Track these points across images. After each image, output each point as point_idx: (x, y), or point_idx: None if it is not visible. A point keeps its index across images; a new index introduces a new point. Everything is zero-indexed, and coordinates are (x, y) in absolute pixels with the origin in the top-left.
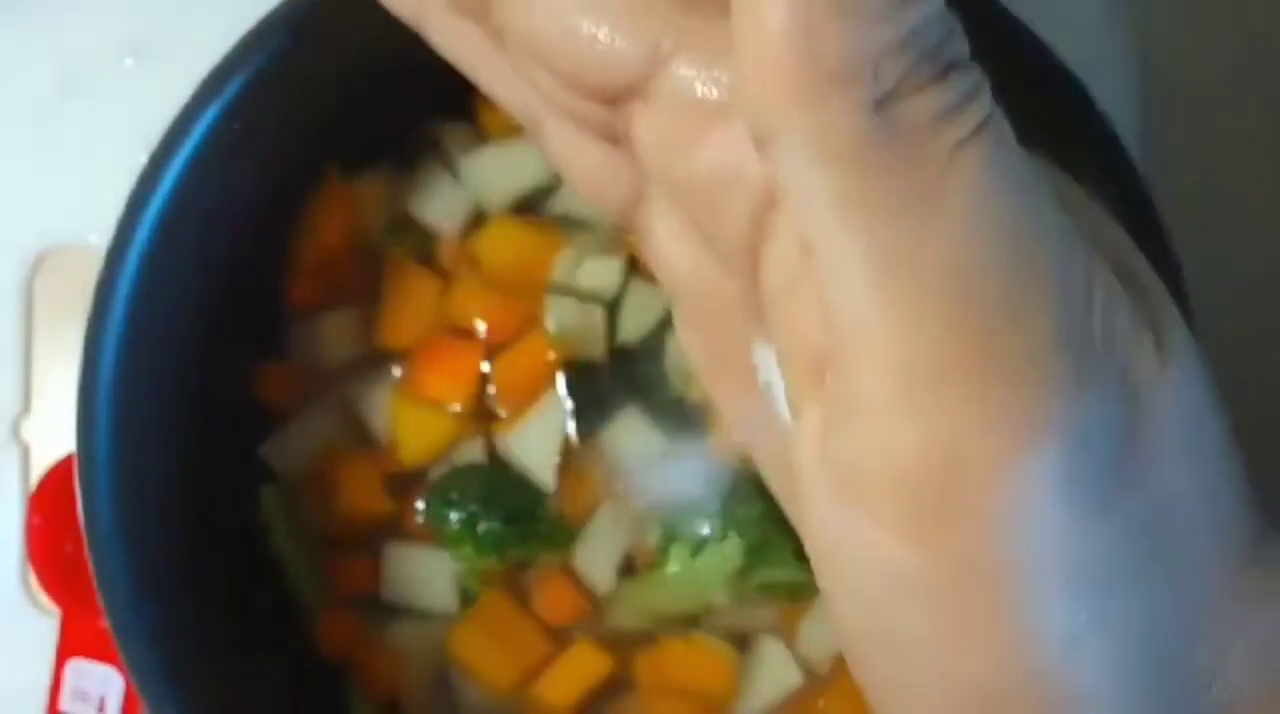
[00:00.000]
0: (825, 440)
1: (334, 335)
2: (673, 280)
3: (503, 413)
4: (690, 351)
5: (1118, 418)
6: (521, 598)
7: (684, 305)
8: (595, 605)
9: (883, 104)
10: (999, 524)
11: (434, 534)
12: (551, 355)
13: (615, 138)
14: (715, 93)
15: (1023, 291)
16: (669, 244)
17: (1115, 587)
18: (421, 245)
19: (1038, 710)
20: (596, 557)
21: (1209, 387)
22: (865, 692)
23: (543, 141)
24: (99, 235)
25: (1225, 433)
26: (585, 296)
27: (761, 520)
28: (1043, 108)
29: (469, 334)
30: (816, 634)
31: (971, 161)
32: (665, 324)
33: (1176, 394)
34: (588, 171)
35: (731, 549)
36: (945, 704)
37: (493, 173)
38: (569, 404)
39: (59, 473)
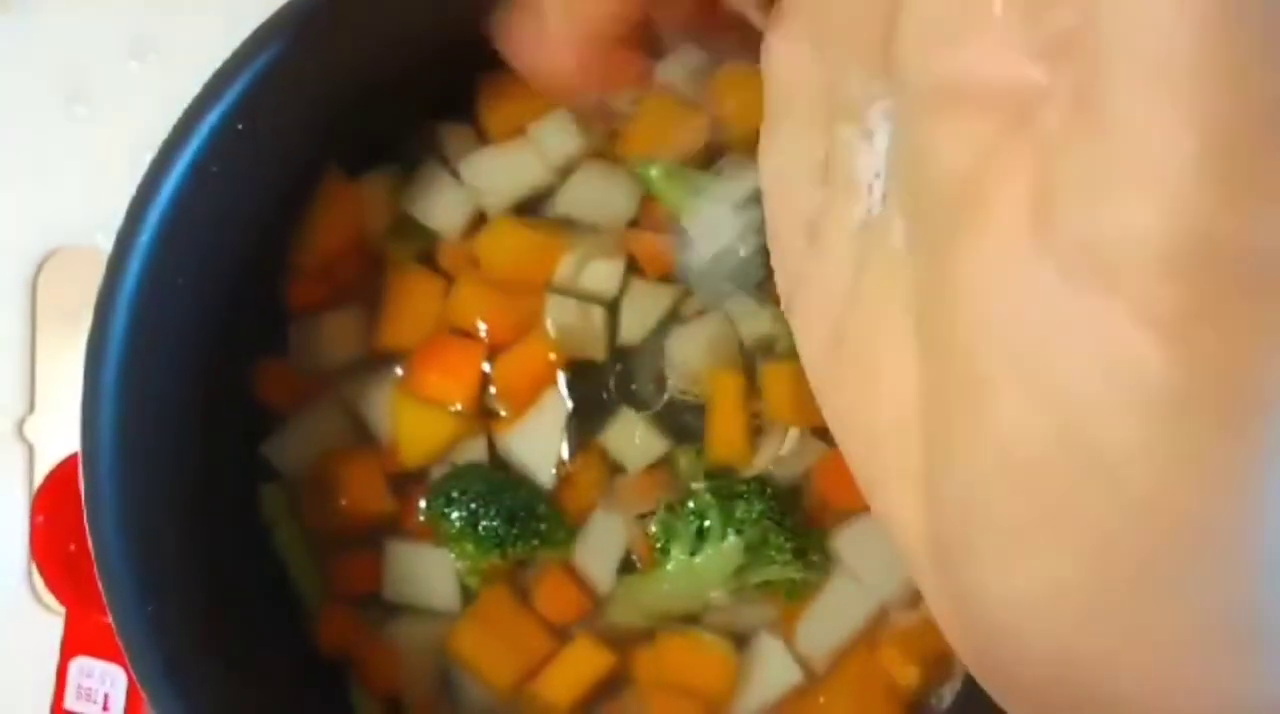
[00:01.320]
0: (1047, 205)
1: (336, 335)
2: (777, 87)
3: (503, 412)
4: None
5: None
6: (522, 596)
7: (781, 121)
8: (595, 603)
9: None
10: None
11: (435, 532)
12: (552, 355)
13: None
14: None
15: None
16: (782, 54)
17: None
18: (423, 246)
19: (1240, 570)
20: (596, 555)
21: None
22: (967, 522)
23: None
24: (104, 236)
25: None
26: (585, 297)
27: (760, 519)
28: None
29: (470, 334)
30: (815, 632)
31: None
32: (665, 324)
33: None
34: None
35: (730, 547)
36: (1115, 540)
37: (493, 174)
38: (569, 404)
39: (63, 472)
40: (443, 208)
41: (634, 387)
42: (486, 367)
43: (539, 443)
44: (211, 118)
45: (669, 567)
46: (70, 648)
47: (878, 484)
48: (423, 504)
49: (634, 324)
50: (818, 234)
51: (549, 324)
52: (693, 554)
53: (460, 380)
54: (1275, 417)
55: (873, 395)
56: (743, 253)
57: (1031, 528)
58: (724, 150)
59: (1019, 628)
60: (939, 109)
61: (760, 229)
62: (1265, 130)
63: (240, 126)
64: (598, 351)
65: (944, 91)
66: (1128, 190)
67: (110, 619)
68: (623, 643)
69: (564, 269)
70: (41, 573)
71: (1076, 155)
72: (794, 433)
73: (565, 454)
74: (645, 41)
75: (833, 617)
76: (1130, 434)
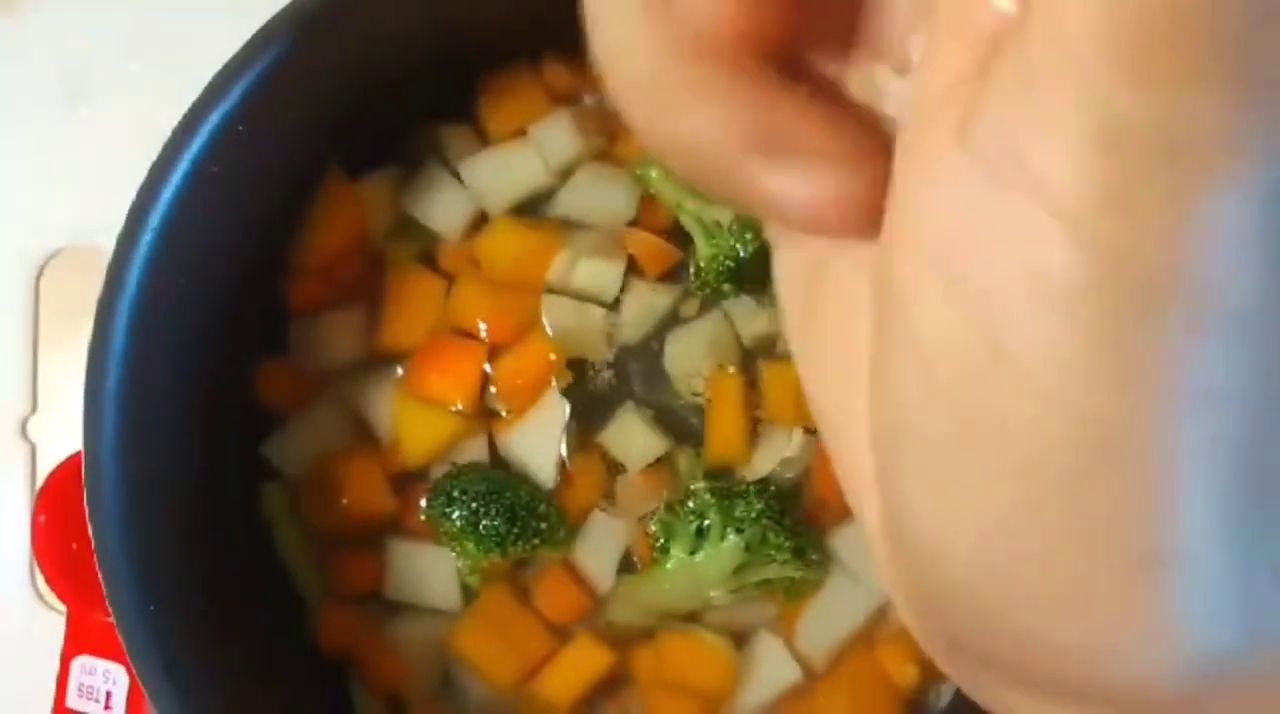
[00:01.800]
0: (981, 117)
1: (337, 336)
2: None
3: (504, 412)
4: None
5: None
6: (522, 595)
7: None
8: (595, 602)
9: None
10: (1188, 235)
11: (436, 532)
12: (552, 355)
13: None
14: None
15: None
16: None
17: None
18: (423, 246)
19: (1151, 476)
20: (596, 554)
21: None
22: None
23: None
24: (106, 236)
25: None
26: (584, 297)
27: (759, 518)
28: None
29: (470, 334)
30: (814, 631)
31: None
32: (665, 324)
33: None
34: None
35: (730, 547)
36: (1028, 451)
37: (494, 175)
38: (569, 404)
39: (66, 471)
40: (443, 208)
41: (634, 387)
42: (487, 366)
43: (539, 443)
44: (213, 119)
45: (669, 566)
46: (72, 647)
47: (849, 479)
48: (423, 504)
49: (634, 324)
50: None
51: (546, 324)
52: (692, 553)
53: (461, 380)
54: (1180, 300)
55: (842, 373)
56: (743, 253)
57: (952, 442)
58: None
59: (944, 555)
60: (940, 42)
61: (758, 229)
62: (1176, 10)
63: (241, 128)
64: (598, 352)
65: (950, 24)
66: (1043, 83)
67: (112, 618)
68: (623, 642)
69: (556, 269)
70: (43, 572)
71: (1004, 58)
72: (794, 433)
73: (565, 454)
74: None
75: (832, 615)
76: (1041, 332)
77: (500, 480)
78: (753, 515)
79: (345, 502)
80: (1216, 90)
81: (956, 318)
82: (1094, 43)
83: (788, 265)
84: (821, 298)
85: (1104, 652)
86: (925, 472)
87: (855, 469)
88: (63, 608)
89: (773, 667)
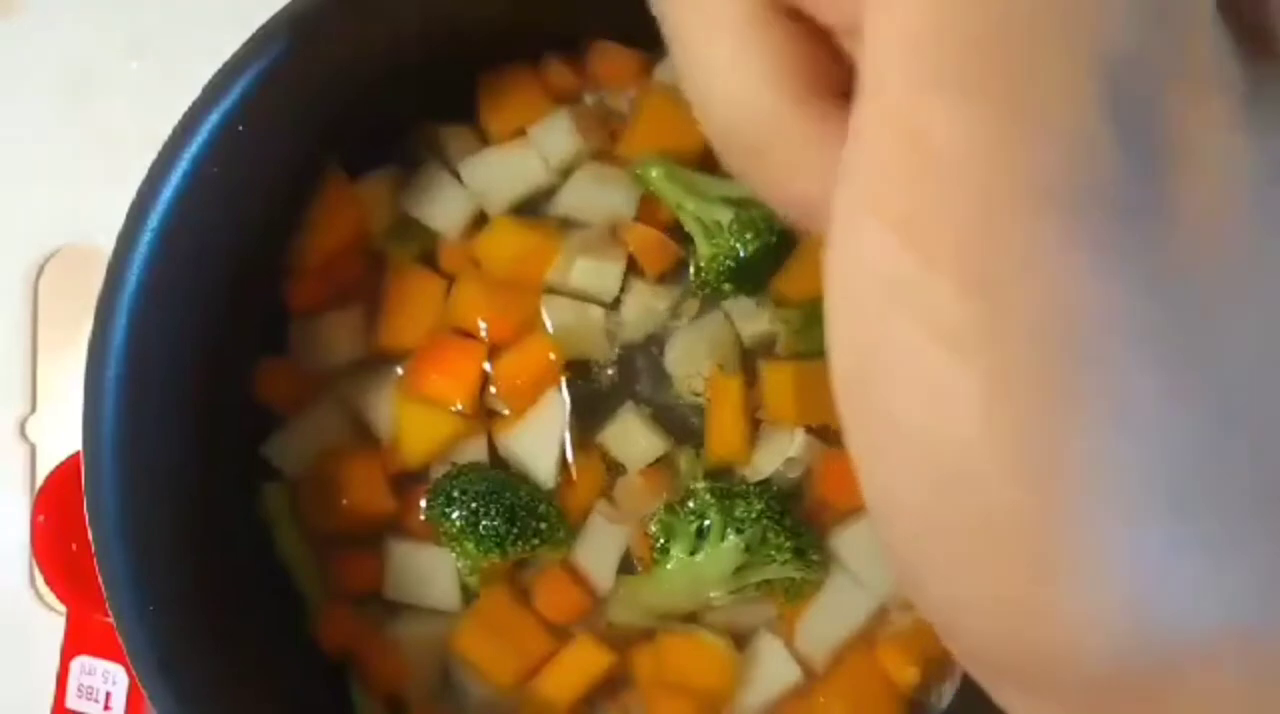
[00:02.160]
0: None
1: (336, 335)
2: None
3: (504, 412)
4: None
5: (1151, 181)
6: (522, 595)
7: None
8: (595, 603)
9: None
10: (1037, 260)
11: (436, 532)
12: (552, 355)
13: None
14: None
15: None
16: None
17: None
18: (423, 246)
19: (1027, 478)
20: (596, 554)
21: None
22: (857, 446)
23: None
24: (105, 236)
25: None
26: (584, 297)
27: (760, 519)
28: None
29: (470, 334)
30: (814, 631)
31: None
32: (665, 324)
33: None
34: None
35: (730, 547)
36: (922, 450)
37: (493, 174)
38: (569, 404)
39: (65, 471)
40: (443, 208)
41: (634, 386)
42: (487, 366)
43: (539, 443)
44: (213, 118)
45: (669, 566)
46: (71, 647)
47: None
48: (423, 504)
49: (634, 324)
50: None
51: (547, 324)
52: (693, 554)
53: (461, 380)
54: (1071, 343)
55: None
56: (743, 253)
57: (863, 433)
58: None
59: (887, 521)
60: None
61: (759, 229)
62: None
63: (241, 127)
64: (598, 351)
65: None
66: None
67: (111, 618)
68: (623, 642)
69: (556, 269)
70: (43, 572)
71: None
72: (794, 433)
73: (566, 454)
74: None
75: (832, 616)
76: (920, 353)
77: (500, 480)
78: (753, 516)
79: (345, 502)
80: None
81: (850, 351)
82: (897, 55)
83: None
84: None
85: (1024, 607)
86: (861, 453)
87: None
88: (62, 608)
89: (773, 667)
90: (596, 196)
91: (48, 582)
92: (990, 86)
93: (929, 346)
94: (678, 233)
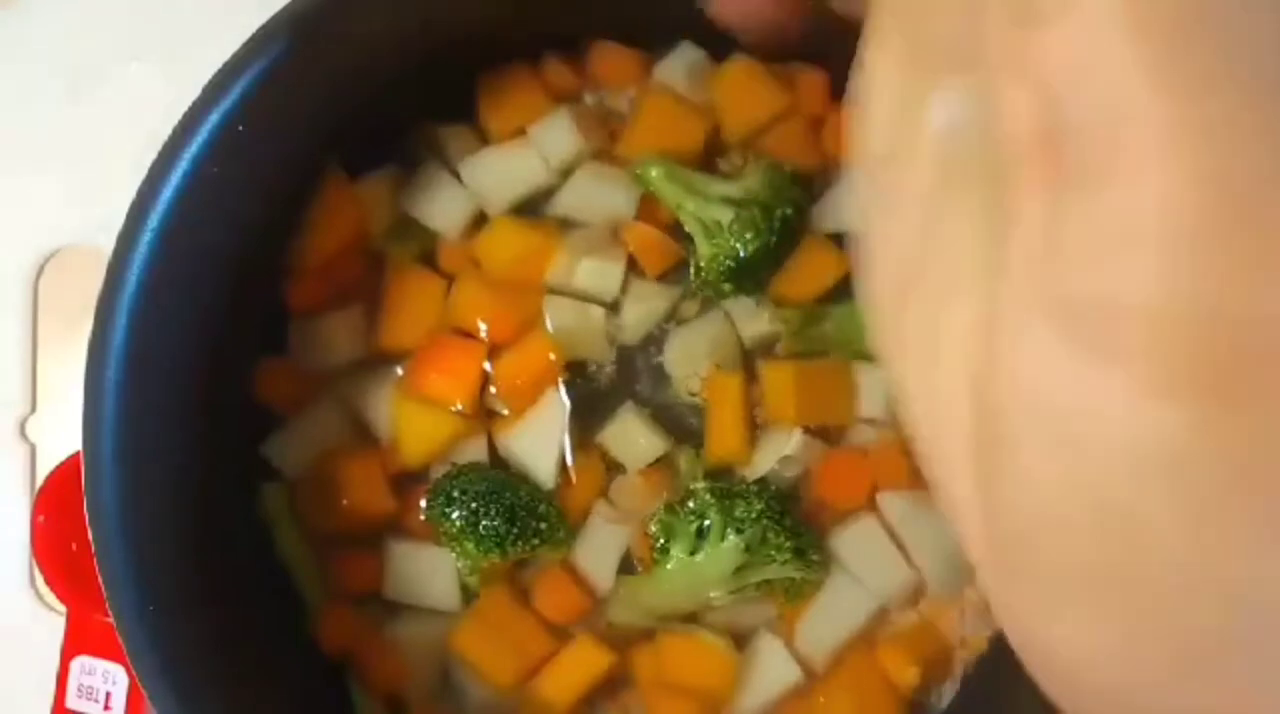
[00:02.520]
0: (1049, 262)
1: (336, 336)
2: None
3: (504, 412)
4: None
5: None
6: (522, 595)
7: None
8: (595, 603)
9: None
10: None
11: (436, 532)
12: (552, 355)
13: None
14: None
15: None
16: None
17: None
18: (423, 246)
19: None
20: (596, 554)
21: None
22: (1009, 569)
23: None
24: (105, 236)
25: None
26: (584, 297)
27: (760, 519)
28: None
29: (470, 334)
30: (815, 632)
31: None
32: (665, 324)
33: None
34: None
35: (730, 547)
36: (1162, 606)
37: (493, 174)
38: (569, 404)
39: (65, 472)
40: (443, 208)
41: (634, 386)
42: (487, 366)
43: (539, 443)
44: (213, 118)
45: (669, 566)
46: (72, 647)
47: (935, 449)
48: (423, 504)
49: (634, 324)
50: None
51: (548, 324)
52: (693, 554)
53: (460, 380)
54: None
55: (931, 355)
56: (743, 253)
57: (1071, 582)
58: (724, 150)
59: (1063, 670)
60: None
61: (759, 229)
62: (1267, 193)
63: (241, 127)
64: (598, 352)
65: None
66: (1124, 254)
67: (111, 618)
68: (623, 643)
69: (556, 269)
70: (43, 572)
71: (1071, 207)
72: (794, 433)
73: (565, 454)
74: None
75: (832, 616)
76: (1159, 506)
77: (500, 480)
78: (753, 516)
79: (345, 502)
80: None
81: (1062, 473)
82: (1181, 213)
83: (881, 267)
84: (912, 288)
85: None
86: (1047, 602)
87: (934, 440)
88: (62, 608)
89: (773, 667)
90: (596, 196)
91: (48, 582)
92: None
93: (1178, 504)
94: (678, 233)
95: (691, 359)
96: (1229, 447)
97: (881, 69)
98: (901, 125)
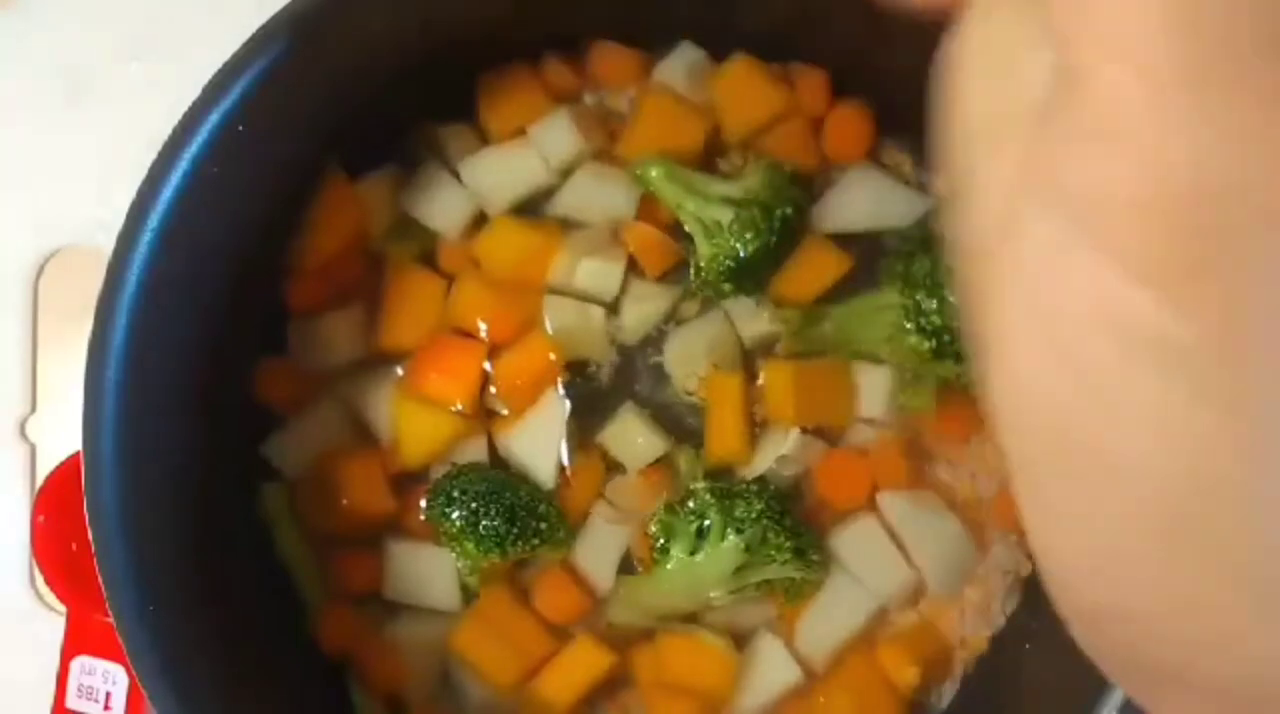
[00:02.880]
0: (1054, 163)
1: (336, 336)
2: None
3: (504, 412)
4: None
5: None
6: (522, 595)
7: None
8: (595, 603)
9: None
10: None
11: (436, 532)
12: (552, 355)
13: None
14: None
15: None
16: None
17: None
18: (423, 246)
19: (1269, 522)
20: (596, 554)
21: None
22: (1027, 476)
23: None
24: (105, 236)
25: None
26: (584, 297)
27: (760, 518)
28: None
29: (470, 334)
30: (814, 632)
31: None
32: (665, 324)
33: None
34: None
35: (730, 547)
36: (1151, 488)
37: (493, 174)
38: (569, 404)
39: (65, 471)
40: (443, 208)
41: (634, 386)
42: (487, 366)
43: (539, 443)
44: (212, 118)
45: (669, 566)
46: (71, 647)
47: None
48: (423, 504)
49: (634, 324)
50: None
51: (547, 324)
52: (693, 554)
53: (460, 380)
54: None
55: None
56: (743, 253)
57: (1056, 459)
58: (724, 150)
59: (1066, 577)
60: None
61: (759, 229)
62: (1231, 65)
63: (241, 127)
64: (598, 352)
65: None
66: (1101, 144)
67: (111, 618)
68: (623, 643)
69: (556, 269)
70: (43, 572)
71: (1056, 113)
72: (794, 433)
73: (565, 454)
74: None
75: (832, 616)
76: (1148, 388)
77: (500, 480)
78: (753, 515)
79: (345, 502)
80: None
81: (1053, 370)
82: (1147, 97)
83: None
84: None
85: (1219, 645)
86: (1046, 509)
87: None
88: (62, 608)
89: (773, 667)
90: (596, 196)
91: (48, 582)
92: None
93: (1157, 378)
94: (678, 233)
95: (691, 359)
96: (1206, 326)
97: (991, 27)
98: (1007, 78)
